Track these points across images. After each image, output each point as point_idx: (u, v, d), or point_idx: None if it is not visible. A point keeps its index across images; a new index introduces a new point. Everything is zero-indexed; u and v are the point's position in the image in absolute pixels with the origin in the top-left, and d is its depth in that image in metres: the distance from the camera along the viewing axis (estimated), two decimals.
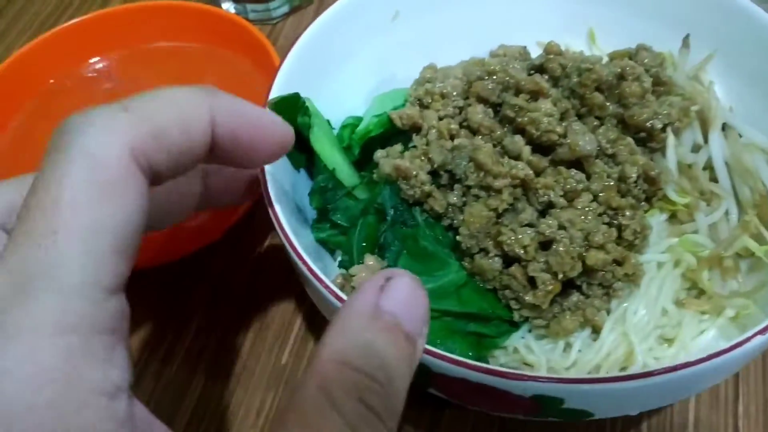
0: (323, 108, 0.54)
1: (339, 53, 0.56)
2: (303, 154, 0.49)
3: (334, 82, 0.56)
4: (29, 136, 0.62)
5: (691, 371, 0.35)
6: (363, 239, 0.47)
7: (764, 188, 0.48)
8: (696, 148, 0.51)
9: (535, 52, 0.58)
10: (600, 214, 0.46)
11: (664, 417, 0.50)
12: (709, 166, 0.50)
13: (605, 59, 0.56)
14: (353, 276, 0.45)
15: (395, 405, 0.28)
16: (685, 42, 0.55)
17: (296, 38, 0.52)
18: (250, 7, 0.76)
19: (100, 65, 0.67)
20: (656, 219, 0.49)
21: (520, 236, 0.44)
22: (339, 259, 0.49)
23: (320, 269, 0.44)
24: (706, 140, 0.51)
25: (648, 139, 0.50)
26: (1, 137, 0.62)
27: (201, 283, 0.58)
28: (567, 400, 0.37)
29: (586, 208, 0.45)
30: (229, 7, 0.76)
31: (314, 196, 0.49)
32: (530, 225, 0.45)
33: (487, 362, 0.46)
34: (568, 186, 0.45)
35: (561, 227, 0.44)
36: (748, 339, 0.36)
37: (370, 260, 0.46)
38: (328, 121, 0.54)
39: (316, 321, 0.56)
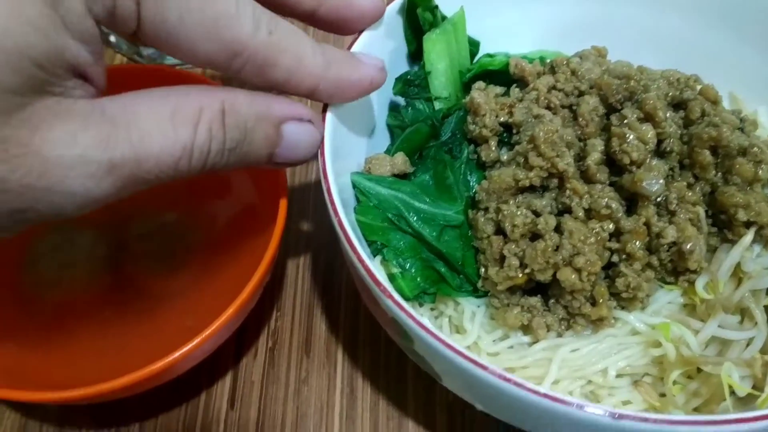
0: (488, 30, 0.56)
1: None
2: (416, 41, 0.52)
3: (513, 15, 0.58)
4: None
5: (507, 387, 0.34)
6: (407, 139, 0.50)
7: None
8: None
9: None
10: (610, 250, 0.44)
11: None
12: None
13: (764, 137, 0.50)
14: (375, 160, 0.48)
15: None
16: None
17: None
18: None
19: None
20: (671, 296, 0.45)
21: (516, 214, 0.44)
22: (387, 147, 0.52)
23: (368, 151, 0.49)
24: None
25: (728, 226, 0.45)
26: None
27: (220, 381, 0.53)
28: (415, 342, 0.38)
29: (596, 232, 0.43)
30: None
31: (398, 83, 0.51)
32: (535, 213, 0.44)
33: (433, 300, 0.47)
34: (595, 204, 0.43)
35: (557, 230, 0.43)
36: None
37: (399, 158, 0.49)
38: (476, 42, 0.55)
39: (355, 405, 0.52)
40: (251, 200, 0.55)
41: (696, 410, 0.43)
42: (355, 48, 0.47)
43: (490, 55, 0.56)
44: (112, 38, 0.72)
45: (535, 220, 0.44)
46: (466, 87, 0.53)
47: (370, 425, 0.51)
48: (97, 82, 0.32)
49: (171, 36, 0.33)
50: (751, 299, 0.44)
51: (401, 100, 0.53)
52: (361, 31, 0.47)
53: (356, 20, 0.45)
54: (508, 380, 0.34)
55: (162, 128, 0.32)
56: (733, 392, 0.42)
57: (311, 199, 0.62)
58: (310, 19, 0.43)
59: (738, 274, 0.45)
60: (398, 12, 0.50)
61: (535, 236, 0.44)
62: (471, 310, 0.46)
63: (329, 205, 0.40)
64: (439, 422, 0.51)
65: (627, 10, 0.58)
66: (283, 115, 0.38)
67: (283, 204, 0.47)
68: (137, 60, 0.72)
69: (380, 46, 0.50)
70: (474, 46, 0.56)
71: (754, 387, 0.42)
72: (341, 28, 0.45)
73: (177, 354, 0.41)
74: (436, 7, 0.50)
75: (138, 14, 0.31)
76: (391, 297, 0.37)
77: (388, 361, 0.53)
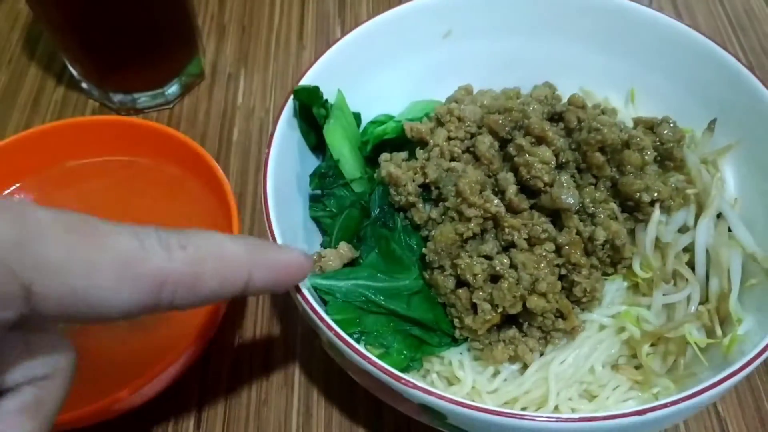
0: (363, 99, 0.59)
1: (389, 54, 0.61)
2: (315, 135, 0.55)
3: (380, 79, 0.61)
4: None
5: (560, 426, 0.38)
6: (344, 228, 0.52)
7: (728, 286, 0.49)
8: (685, 230, 0.53)
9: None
10: (557, 265, 0.49)
11: None
12: (692, 249, 0.52)
13: (630, 122, 0.57)
14: (323, 257, 0.50)
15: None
16: (710, 126, 0.56)
17: (334, 41, 0.57)
18: (138, 95, 0.73)
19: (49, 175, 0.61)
20: (616, 284, 0.51)
21: (474, 264, 0.48)
22: (322, 239, 0.55)
23: (306, 243, 0.51)
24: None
25: (636, 209, 0.52)
26: None
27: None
28: (449, 417, 0.41)
29: (543, 256, 0.48)
30: (118, 98, 0.73)
31: (314, 179, 0.54)
32: (487, 257, 0.49)
33: (420, 365, 0.50)
34: (533, 232, 0.48)
35: (513, 266, 0.48)
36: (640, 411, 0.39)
37: (344, 247, 0.51)
38: (356, 114, 0.59)
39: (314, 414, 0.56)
40: None
41: (671, 370, 0.50)
42: (271, 151, 0.50)
43: (374, 123, 0.60)
44: (84, 85, 0.75)
45: (491, 264, 0.48)
46: (368, 161, 0.57)
47: None
48: None
49: (79, 303, 0.27)
50: (678, 263, 0.51)
51: (319, 192, 0.55)
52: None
53: (291, 280, 0.39)
54: (559, 420, 0.38)
55: None
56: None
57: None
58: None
59: (657, 245, 0.52)
60: (293, 115, 0.53)
61: (494, 277, 0.48)
62: (457, 359, 0.50)
63: (326, 333, 0.42)
64: None
65: (471, 44, 0.63)
66: None
67: None
68: (108, 106, 0.75)
69: (290, 149, 0.52)
70: (357, 119, 0.59)
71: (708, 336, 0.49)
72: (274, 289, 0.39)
73: (124, 393, 0.46)
74: (326, 100, 0.53)
75: (30, 302, 0.26)
76: (416, 387, 0.40)
77: (341, 381, 0.57)
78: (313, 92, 0.52)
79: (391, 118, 0.61)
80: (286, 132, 0.52)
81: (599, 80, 0.63)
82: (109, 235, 0.28)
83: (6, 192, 0.59)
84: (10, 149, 0.58)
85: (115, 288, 0.28)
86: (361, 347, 0.42)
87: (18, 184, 0.59)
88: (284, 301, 0.62)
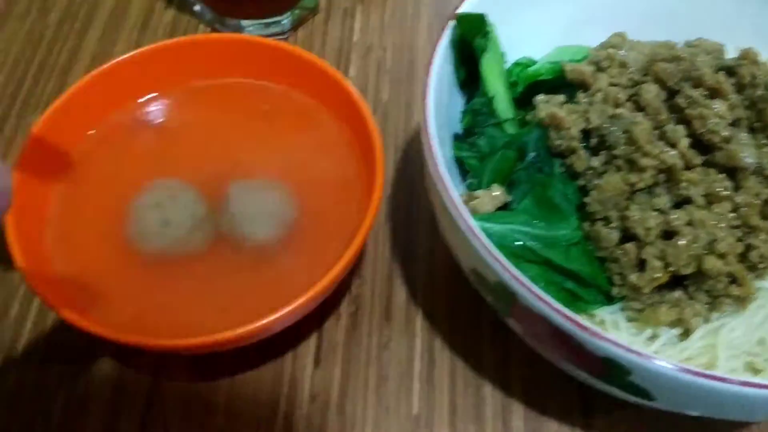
0: (505, 40, 0.55)
1: None
2: (466, 70, 0.51)
3: (525, 20, 0.57)
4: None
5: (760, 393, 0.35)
6: (496, 169, 0.49)
7: None
8: None
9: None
10: (734, 227, 0.45)
11: None
12: None
13: None
14: (476, 198, 0.47)
15: None
16: None
17: None
18: (249, 23, 0.71)
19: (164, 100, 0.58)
20: None
21: (647, 217, 0.44)
22: (468, 181, 0.51)
23: None
24: None
25: None
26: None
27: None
28: (634, 373, 0.38)
29: (722, 215, 0.44)
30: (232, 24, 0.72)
31: (466, 115, 0.51)
32: (660, 211, 0.45)
33: None
34: (712, 189, 0.45)
35: (689, 224, 0.44)
36: None
37: (497, 190, 0.48)
38: (503, 53, 0.55)
39: (435, 359, 0.54)
40: (347, 169, 0.54)
41: None
42: (430, 85, 0.46)
43: (519, 65, 0.56)
44: (197, 7, 0.73)
45: (666, 219, 0.44)
46: (516, 103, 0.53)
47: (447, 389, 0.52)
48: None
49: None
50: None
51: (462, 132, 0.52)
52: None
53: None
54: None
55: None
56: None
57: (391, 173, 0.63)
58: None
59: None
60: (449, 46, 0.49)
61: (666, 234, 0.45)
62: (612, 319, 0.47)
63: (499, 271, 0.39)
64: (514, 389, 0.52)
65: None
66: None
67: (379, 180, 0.49)
68: (219, 29, 0.72)
69: (443, 82, 0.49)
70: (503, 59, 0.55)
71: None
72: None
73: (283, 311, 0.43)
74: (489, 31, 0.50)
75: None
76: (605, 338, 0.36)
77: (466, 330, 0.55)
78: (477, 20, 0.49)
79: (533, 61, 0.57)
80: (441, 63, 0.49)
81: (764, 40, 0.58)
82: None
83: (141, 100, 0.57)
84: (143, 59, 0.55)
85: None
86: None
87: (155, 93, 0.57)
88: (406, 247, 0.59)
